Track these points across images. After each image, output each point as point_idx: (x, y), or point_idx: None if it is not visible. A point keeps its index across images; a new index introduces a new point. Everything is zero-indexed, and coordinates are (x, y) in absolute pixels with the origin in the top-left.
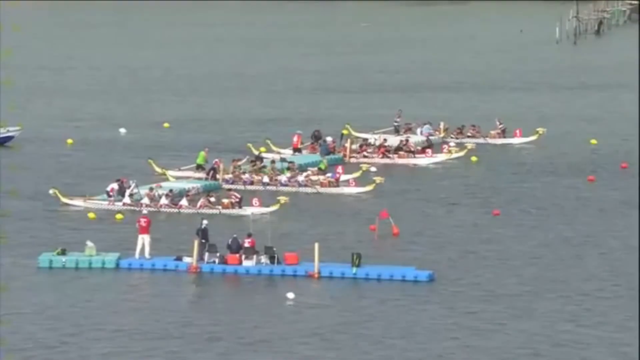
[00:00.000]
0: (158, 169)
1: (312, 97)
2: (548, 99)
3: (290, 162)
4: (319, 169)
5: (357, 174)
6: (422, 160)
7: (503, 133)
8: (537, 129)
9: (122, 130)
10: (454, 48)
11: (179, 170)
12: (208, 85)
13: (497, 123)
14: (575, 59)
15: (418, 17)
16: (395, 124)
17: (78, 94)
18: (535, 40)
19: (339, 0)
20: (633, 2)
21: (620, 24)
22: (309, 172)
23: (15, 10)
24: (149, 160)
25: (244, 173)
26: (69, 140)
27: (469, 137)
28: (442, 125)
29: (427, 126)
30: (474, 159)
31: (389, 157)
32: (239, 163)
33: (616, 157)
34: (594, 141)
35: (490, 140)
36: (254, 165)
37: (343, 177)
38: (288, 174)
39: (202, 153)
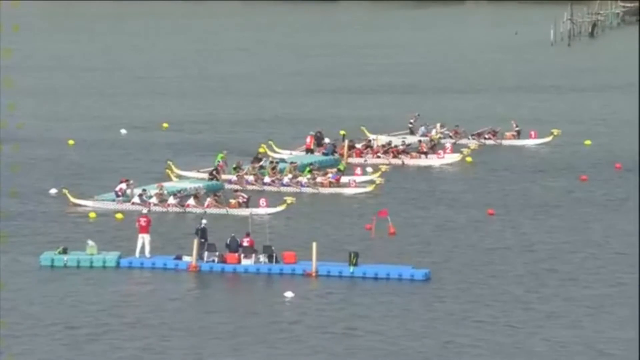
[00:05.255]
0: (177, 170)
1: (312, 98)
2: (542, 101)
3: (311, 164)
4: (339, 169)
5: (376, 175)
6: (435, 161)
7: (518, 134)
8: (552, 130)
9: (123, 131)
10: (449, 50)
11: (198, 171)
12: (206, 86)
13: (513, 125)
14: (569, 60)
15: (412, 18)
16: (410, 125)
17: (78, 94)
18: (530, 42)
19: (335, 1)
20: (627, 4)
21: (613, 26)
22: (317, 173)
23: (15, 11)
24: (168, 162)
25: (254, 174)
26: (70, 141)
27: (486, 139)
28: (438, 127)
29: (422, 128)
30: (468, 159)
31: (399, 158)
32: (258, 164)
33: (610, 158)
34: (588, 142)
35: (504, 142)
36: (273, 168)
37: (357, 178)
38: (308, 175)
39: (221, 155)
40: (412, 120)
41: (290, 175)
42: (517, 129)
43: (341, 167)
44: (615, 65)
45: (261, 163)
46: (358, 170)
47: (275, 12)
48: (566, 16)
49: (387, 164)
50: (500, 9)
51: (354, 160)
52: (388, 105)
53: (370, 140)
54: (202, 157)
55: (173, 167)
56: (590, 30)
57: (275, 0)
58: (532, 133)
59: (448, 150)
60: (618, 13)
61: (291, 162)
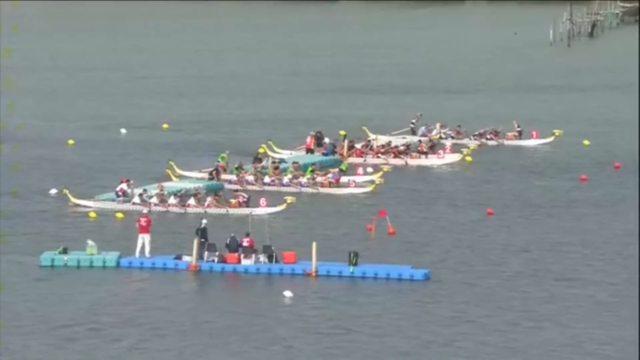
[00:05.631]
0: (179, 171)
1: (312, 99)
2: (541, 101)
3: (313, 164)
4: (341, 169)
5: (377, 175)
6: (435, 161)
7: (520, 135)
8: (554, 131)
9: (123, 131)
10: (448, 50)
11: (200, 171)
12: (206, 86)
13: (515, 125)
14: (568, 60)
15: (411, 19)
16: (412, 125)
17: (77, 94)
18: (529, 42)
19: (334, 1)
20: (626, 4)
21: (613, 26)
22: (319, 173)
23: (15, 11)
24: (170, 162)
25: (255, 174)
26: (70, 141)
27: (488, 139)
28: (437, 127)
29: (422, 128)
30: (468, 159)
31: (400, 158)
32: (259, 165)
33: (609, 158)
34: (586, 142)
35: (506, 142)
36: (275, 168)
37: (357, 178)
38: (308, 175)
39: (224, 155)
40: (414, 121)
41: (289, 176)
42: (518, 129)
43: (343, 167)
44: (614, 65)
45: (263, 163)
46: (360, 170)
47: (275, 12)
48: (565, 16)
49: (387, 164)
50: (500, 9)
51: (354, 160)
52: (388, 105)
53: (369, 141)
54: (202, 157)
55: (175, 167)
56: (589, 30)
57: (275, 0)
58: (534, 133)
59: (448, 150)
60: (617, 13)
61: (294, 162)
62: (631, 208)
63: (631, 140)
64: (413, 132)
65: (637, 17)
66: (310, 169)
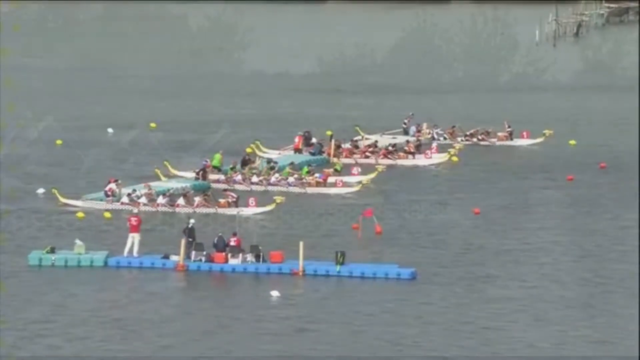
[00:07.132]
0: (174, 171)
1: (301, 99)
2: (527, 101)
3: (309, 165)
4: (335, 170)
5: (372, 175)
6: (422, 161)
7: (510, 135)
8: (544, 131)
9: (110, 131)
10: (434, 50)
11: (194, 171)
12: (194, 86)
13: (506, 125)
14: (554, 60)
15: (400, 19)
16: (404, 126)
17: (65, 94)
18: (515, 42)
19: (322, 3)
20: (611, 5)
21: (598, 27)
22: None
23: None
24: (165, 162)
25: (245, 173)
26: (58, 141)
27: (479, 140)
28: (424, 126)
29: (412, 127)
30: (454, 159)
31: (389, 158)
32: (254, 165)
33: (595, 158)
34: (572, 142)
35: (497, 143)
36: (271, 168)
37: (345, 178)
38: (295, 175)
39: (218, 155)
40: (406, 121)
41: (277, 175)
42: (509, 129)
43: (338, 167)
44: (599, 65)
45: (256, 164)
46: (355, 171)
47: (266, 12)
48: (551, 17)
49: (377, 164)
50: (485, 10)
51: (345, 160)
52: (378, 105)
53: (356, 141)
54: (193, 156)
55: (169, 167)
56: (575, 30)
57: (263, 1)
58: (525, 133)
59: (434, 150)
60: (603, 14)
61: (291, 163)
62: (616, 207)
63: (616, 139)
64: (405, 132)
65: (638, 18)
66: (306, 169)
